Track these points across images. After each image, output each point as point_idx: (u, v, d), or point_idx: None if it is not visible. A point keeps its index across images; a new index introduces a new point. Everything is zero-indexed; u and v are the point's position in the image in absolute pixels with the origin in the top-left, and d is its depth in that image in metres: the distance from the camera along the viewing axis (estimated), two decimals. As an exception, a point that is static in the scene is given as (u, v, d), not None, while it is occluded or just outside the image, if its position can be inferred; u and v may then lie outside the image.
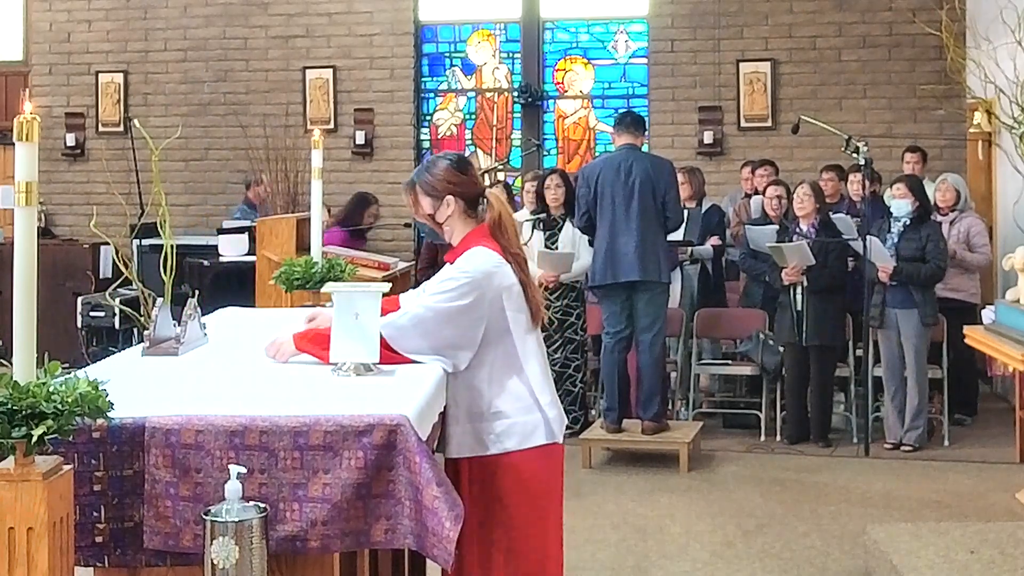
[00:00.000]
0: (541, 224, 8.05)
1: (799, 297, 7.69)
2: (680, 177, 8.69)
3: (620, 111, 8.93)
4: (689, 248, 8.43)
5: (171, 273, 3.78)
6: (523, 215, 8.21)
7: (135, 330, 8.57)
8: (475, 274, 3.37)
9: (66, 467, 2.44)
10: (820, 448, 7.64)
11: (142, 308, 4.05)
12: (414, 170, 3.78)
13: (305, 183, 10.32)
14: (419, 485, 2.69)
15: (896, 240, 7.58)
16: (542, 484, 3.46)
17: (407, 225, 10.66)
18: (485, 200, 3.52)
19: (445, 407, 3.40)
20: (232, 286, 8.68)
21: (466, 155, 3.75)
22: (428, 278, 8.37)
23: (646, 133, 7.78)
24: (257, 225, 7.55)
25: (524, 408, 3.42)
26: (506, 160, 11.15)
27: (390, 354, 3.30)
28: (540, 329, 3.54)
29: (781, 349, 7.81)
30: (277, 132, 10.94)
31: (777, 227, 8.00)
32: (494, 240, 3.45)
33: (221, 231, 10.13)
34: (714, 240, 8.61)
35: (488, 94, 11.31)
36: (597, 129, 11.04)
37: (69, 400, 2.37)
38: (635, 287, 7.21)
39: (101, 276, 9.98)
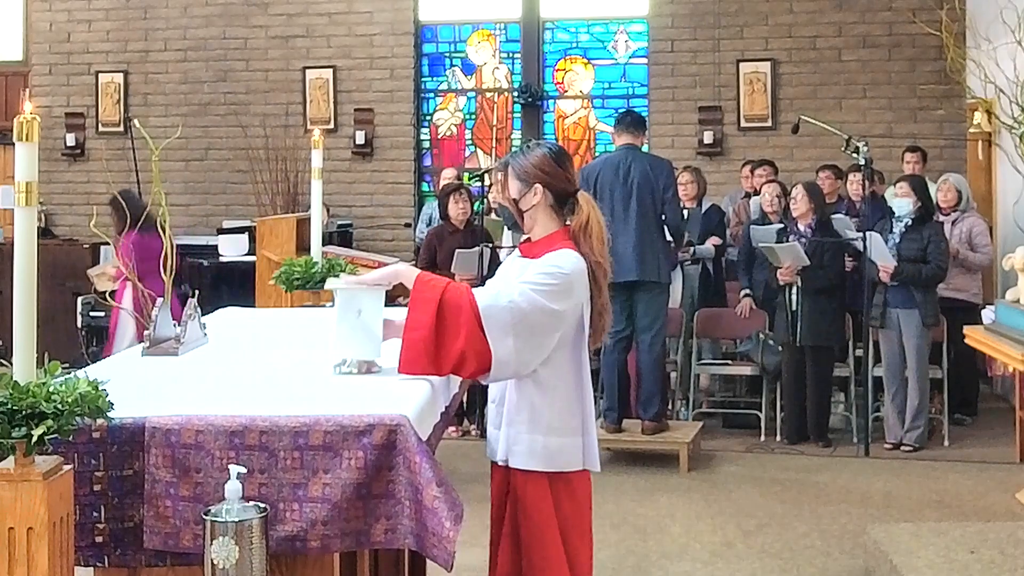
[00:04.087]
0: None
1: (794, 297, 7.70)
2: (686, 176, 8.72)
3: (621, 111, 8.93)
4: (690, 248, 8.43)
5: (171, 273, 3.78)
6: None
7: (135, 330, 8.57)
8: (573, 275, 3.22)
9: (66, 467, 2.44)
10: (820, 448, 7.64)
11: (142, 308, 4.05)
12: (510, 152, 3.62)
13: (305, 183, 10.33)
14: (419, 485, 2.69)
15: (897, 240, 7.57)
16: (574, 508, 3.35)
17: (407, 225, 10.68)
18: (575, 201, 3.35)
19: (505, 409, 3.34)
20: (232, 286, 8.70)
21: (566, 150, 3.54)
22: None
23: (646, 133, 7.76)
24: (257, 225, 7.55)
25: (574, 428, 3.31)
26: (506, 160, 11.13)
27: (473, 340, 3.11)
28: (595, 339, 3.38)
29: (780, 349, 7.82)
30: (277, 132, 10.95)
31: (779, 227, 8.00)
32: (577, 246, 3.30)
33: (221, 231, 10.15)
34: (714, 240, 8.61)
35: (488, 94, 11.31)
36: (597, 129, 11.04)
37: (69, 400, 2.37)
38: (635, 287, 7.21)
39: (101, 276, 9.98)
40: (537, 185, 3.33)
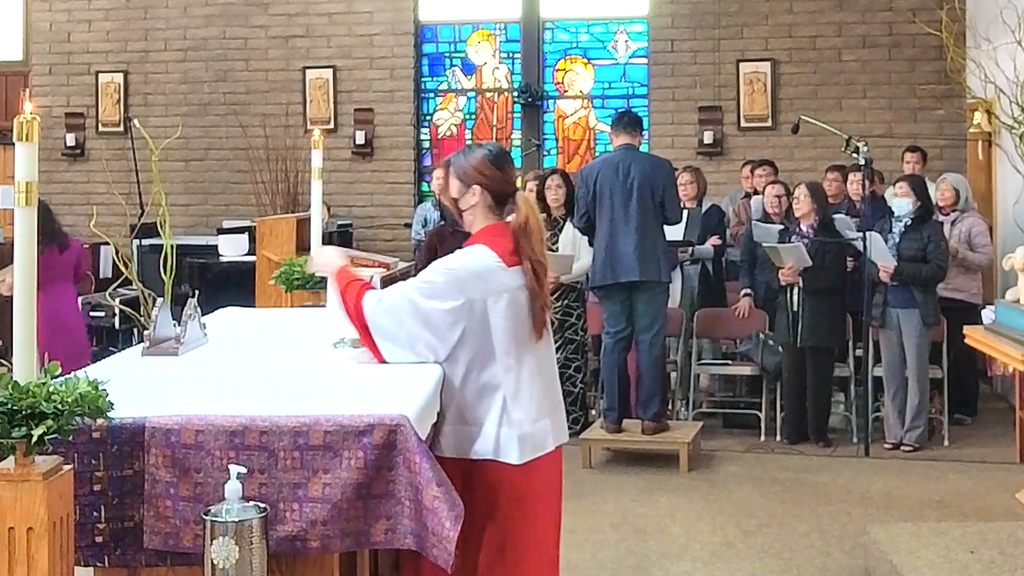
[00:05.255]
0: (542, 224, 8.03)
1: (795, 298, 7.69)
2: (687, 176, 8.71)
3: (619, 111, 8.93)
4: (690, 248, 8.43)
5: (171, 273, 3.78)
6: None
7: (135, 330, 8.57)
8: (460, 273, 3.30)
9: (66, 467, 2.44)
10: (820, 448, 7.64)
11: (142, 308, 4.05)
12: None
13: (305, 183, 10.34)
14: (419, 485, 2.69)
15: (897, 240, 7.57)
16: (519, 497, 3.35)
17: (407, 225, 10.67)
18: (513, 201, 3.42)
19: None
20: (232, 286, 8.69)
21: (506, 150, 3.60)
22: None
23: (644, 133, 7.76)
24: (257, 225, 7.55)
25: (495, 421, 3.32)
26: (506, 160, 11.13)
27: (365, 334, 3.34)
28: (542, 341, 3.42)
29: (780, 349, 7.82)
30: (277, 132, 10.96)
31: (781, 226, 7.99)
32: (508, 240, 3.36)
33: (221, 231, 10.14)
34: (714, 240, 8.61)
35: (488, 94, 11.31)
36: (597, 129, 11.04)
37: (69, 400, 2.37)
38: (635, 287, 7.20)
39: (101, 276, 9.96)
40: (475, 186, 3.42)
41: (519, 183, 3.56)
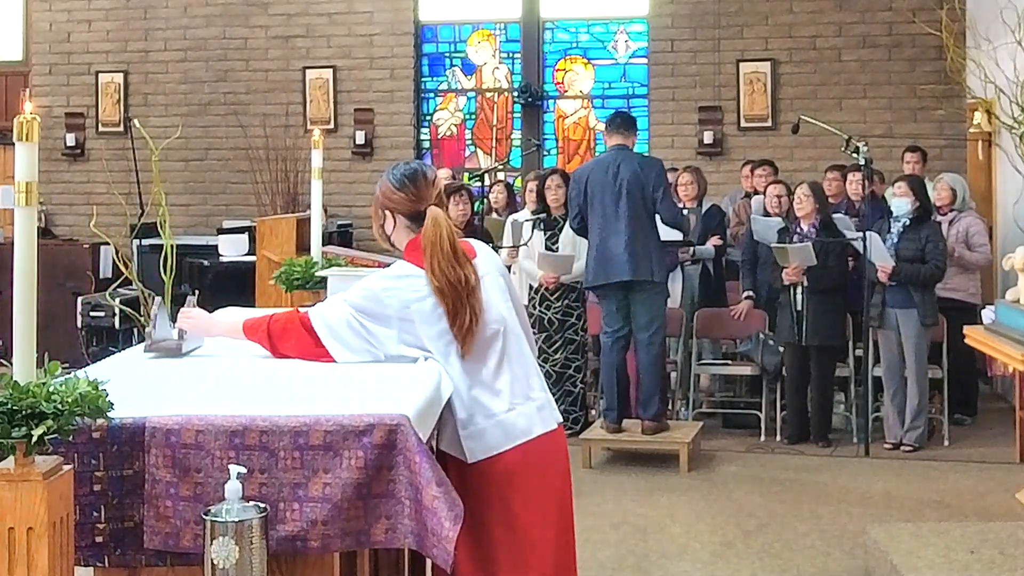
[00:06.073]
0: (542, 224, 8.05)
1: (799, 297, 7.69)
2: (686, 177, 8.72)
3: (619, 111, 8.93)
4: (690, 248, 8.43)
5: (171, 273, 3.78)
6: (524, 215, 8.21)
7: (135, 330, 8.57)
8: (381, 290, 3.33)
9: (66, 467, 2.44)
10: (820, 448, 7.64)
11: (142, 308, 4.05)
12: None
13: (305, 183, 10.34)
14: (419, 485, 2.69)
15: (896, 240, 7.57)
16: (486, 495, 3.31)
17: (407, 225, 10.65)
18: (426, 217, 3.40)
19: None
20: (232, 286, 8.69)
21: (416, 169, 3.59)
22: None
23: (638, 133, 7.75)
24: (257, 225, 7.56)
25: (462, 421, 3.33)
26: (506, 160, 11.15)
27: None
28: (484, 344, 3.36)
29: (781, 349, 7.81)
30: (277, 132, 10.96)
31: (780, 226, 7.98)
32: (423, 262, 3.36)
33: (221, 231, 10.15)
34: (715, 240, 8.61)
35: (488, 94, 11.31)
36: (597, 129, 11.03)
37: (69, 400, 2.37)
38: (630, 287, 7.21)
39: (101, 276, 9.99)
40: (385, 211, 3.49)
41: (437, 195, 3.51)
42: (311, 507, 2.69)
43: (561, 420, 3.55)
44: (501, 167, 10.94)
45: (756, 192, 8.95)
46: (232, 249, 9.37)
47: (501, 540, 3.34)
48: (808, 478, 6.98)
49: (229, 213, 11.10)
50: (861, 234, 7.51)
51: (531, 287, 8.04)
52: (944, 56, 9.00)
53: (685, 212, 8.17)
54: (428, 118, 11.37)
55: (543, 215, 8.06)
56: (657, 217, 7.26)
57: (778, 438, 7.89)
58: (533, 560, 3.36)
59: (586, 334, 8.11)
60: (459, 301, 3.31)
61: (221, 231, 10.15)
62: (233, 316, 3.69)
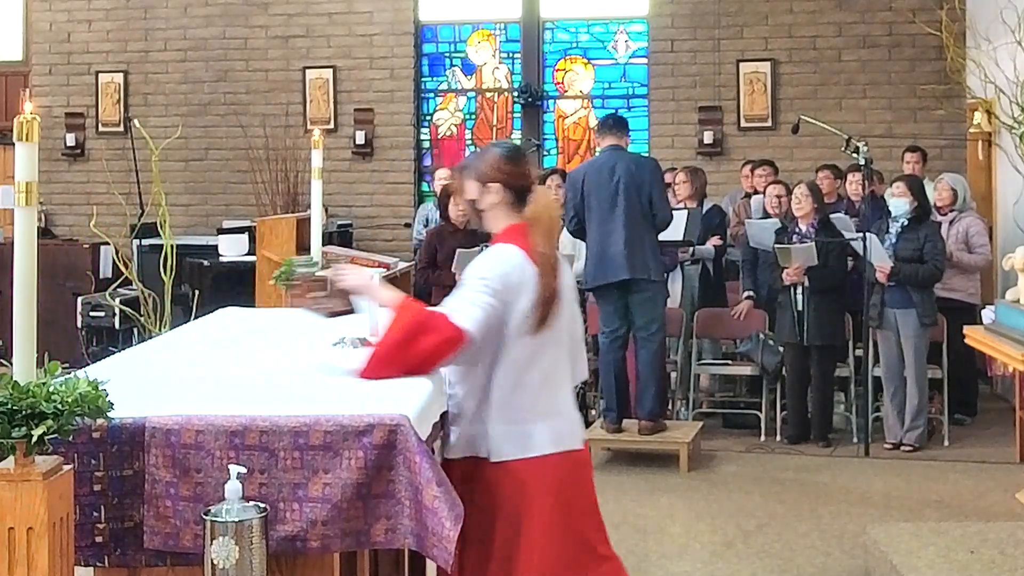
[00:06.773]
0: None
1: (799, 297, 7.69)
2: (681, 176, 8.72)
3: (607, 114, 8.93)
4: (690, 248, 8.43)
5: (171, 273, 3.79)
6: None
7: (135, 330, 8.57)
8: (495, 278, 3.27)
9: (66, 467, 2.45)
10: (820, 448, 7.64)
11: (142, 308, 4.05)
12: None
13: (305, 183, 10.34)
14: (419, 485, 2.69)
15: (894, 240, 7.57)
16: (530, 496, 3.31)
17: (407, 225, 10.67)
18: (532, 195, 3.42)
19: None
20: (232, 286, 8.69)
21: (520, 147, 3.62)
22: (426, 278, 8.32)
23: (630, 134, 7.75)
24: (257, 225, 7.56)
25: (516, 418, 3.30)
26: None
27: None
28: (546, 337, 3.35)
29: (781, 349, 7.81)
30: (277, 132, 10.95)
31: (778, 226, 7.99)
32: (529, 236, 3.35)
33: (221, 231, 10.15)
34: (715, 240, 8.61)
35: (488, 94, 11.31)
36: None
37: (69, 400, 2.37)
38: (628, 287, 7.21)
39: (101, 276, 9.98)
40: (494, 184, 3.41)
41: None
42: (311, 507, 2.69)
43: (586, 439, 3.54)
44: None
45: (756, 192, 8.96)
46: (232, 249, 9.36)
47: (500, 548, 3.32)
48: (808, 478, 6.98)
49: (229, 213, 11.09)
50: (861, 234, 7.51)
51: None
52: (944, 56, 9.01)
53: (683, 210, 8.18)
54: (428, 118, 11.37)
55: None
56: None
57: (778, 438, 7.88)
58: None
59: (586, 334, 8.10)
60: (551, 275, 3.34)
61: (221, 231, 10.15)
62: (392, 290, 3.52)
